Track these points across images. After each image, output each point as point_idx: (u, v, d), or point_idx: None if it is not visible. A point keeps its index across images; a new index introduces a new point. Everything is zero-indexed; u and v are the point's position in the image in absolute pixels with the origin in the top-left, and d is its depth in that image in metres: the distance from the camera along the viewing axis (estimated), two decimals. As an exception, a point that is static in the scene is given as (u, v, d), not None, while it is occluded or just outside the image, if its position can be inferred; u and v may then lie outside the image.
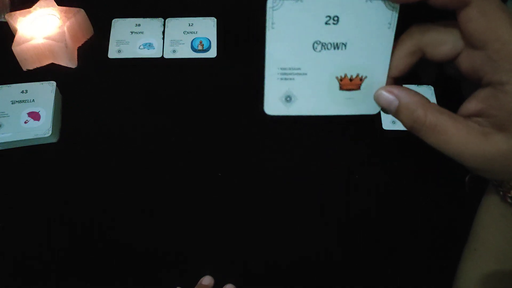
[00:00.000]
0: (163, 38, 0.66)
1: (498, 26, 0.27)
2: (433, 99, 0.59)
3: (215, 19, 0.68)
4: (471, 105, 0.30)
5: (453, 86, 0.31)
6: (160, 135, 0.59)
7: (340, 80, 0.32)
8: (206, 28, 0.67)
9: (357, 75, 0.31)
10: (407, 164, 0.58)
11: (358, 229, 0.53)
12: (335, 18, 0.30)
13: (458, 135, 0.28)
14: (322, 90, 0.32)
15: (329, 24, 0.30)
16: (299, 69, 0.31)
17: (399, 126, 0.59)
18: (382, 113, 0.58)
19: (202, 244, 0.52)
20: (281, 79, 0.31)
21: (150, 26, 0.67)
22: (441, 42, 0.30)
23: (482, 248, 0.39)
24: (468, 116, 0.30)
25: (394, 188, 0.56)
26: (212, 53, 0.65)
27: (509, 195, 0.35)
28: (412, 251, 0.52)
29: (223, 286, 0.49)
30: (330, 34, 0.30)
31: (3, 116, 0.57)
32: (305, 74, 0.31)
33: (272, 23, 0.30)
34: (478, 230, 0.39)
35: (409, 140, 0.58)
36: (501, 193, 0.35)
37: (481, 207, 0.40)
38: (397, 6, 0.29)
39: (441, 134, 0.29)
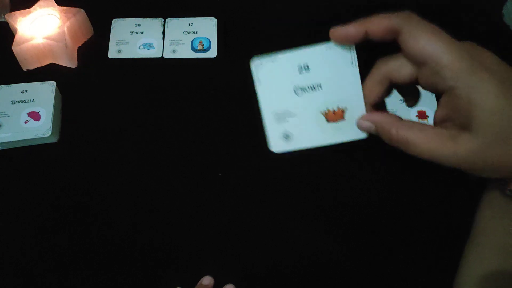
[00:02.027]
0: (163, 38, 0.66)
1: (429, 43, 0.31)
2: (433, 103, 0.59)
3: (215, 19, 0.68)
4: (439, 112, 0.34)
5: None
6: (160, 135, 0.59)
7: (325, 114, 0.37)
8: (206, 28, 0.67)
9: (338, 108, 0.37)
10: (407, 164, 0.58)
11: (359, 229, 0.53)
12: (306, 67, 0.36)
13: (429, 143, 0.32)
14: (312, 126, 0.37)
15: (302, 72, 0.36)
16: (289, 112, 0.37)
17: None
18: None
19: (202, 244, 0.52)
20: (277, 121, 0.37)
21: (150, 26, 0.67)
22: (400, 68, 0.34)
23: (483, 242, 0.39)
24: (441, 122, 0.34)
25: (394, 188, 0.56)
26: (212, 53, 0.65)
27: (509, 188, 0.36)
28: (413, 249, 0.52)
29: (223, 286, 0.49)
30: (306, 80, 0.36)
31: (3, 116, 0.57)
32: (295, 115, 0.37)
33: (259, 79, 0.37)
34: (479, 224, 0.40)
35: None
36: (501, 186, 0.36)
37: (483, 201, 0.40)
38: (353, 46, 0.35)
39: (416, 146, 0.32)
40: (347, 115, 0.37)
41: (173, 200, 0.55)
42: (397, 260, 0.51)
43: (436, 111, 0.34)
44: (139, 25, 0.67)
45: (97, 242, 0.52)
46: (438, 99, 0.37)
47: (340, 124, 0.37)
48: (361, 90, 0.36)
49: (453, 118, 0.32)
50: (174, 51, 0.65)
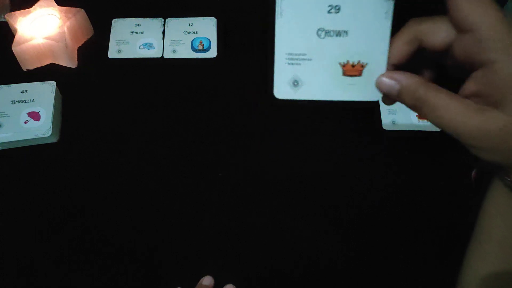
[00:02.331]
0: (163, 38, 0.66)
1: (483, 9, 0.29)
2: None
3: (215, 19, 0.68)
4: (468, 87, 0.32)
5: (452, 85, 0.32)
6: (160, 135, 0.59)
7: (343, 66, 0.34)
8: (206, 28, 0.67)
9: (359, 62, 0.33)
10: (407, 164, 0.58)
11: (359, 229, 0.53)
12: (337, 7, 0.32)
13: (456, 112, 0.30)
14: (326, 76, 0.34)
15: (331, 12, 0.32)
16: (305, 54, 0.33)
17: (399, 127, 0.59)
18: (382, 113, 0.59)
19: (202, 244, 0.52)
20: (289, 64, 0.34)
21: (150, 26, 0.67)
22: (435, 31, 0.32)
23: (487, 241, 0.38)
24: (468, 97, 0.31)
25: (394, 188, 0.56)
26: (212, 53, 0.65)
27: (510, 179, 0.35)
28: (414, 248, 0.52)
29: (223, 286, 0.49)
30: (333, 22, 0.33)
31: (3, 116, 0.57)
32: (311, 59, 0.34)
33: (281, 11, 0.33)
34: (483, 222, 0.39)
35: (409, 140, 0.58)
36: (508, 180, 0.35)
37: (486, 199, 0.40)
38: None
39: (441, 111, 0.30)
40: (365, 71, 0.34)
41: (173, 200, 0.55)
42: (398, 260, 0.51)
43: (464, 85, 0.32)
44: (139, 25, 0.67)
45: (97, 242, 0.52)
46: (464, 73, 0.34)
47: (355, 80, 0.34)
48: (387, 47, 0.33)
49: (484, 94, 0.30)
50: (174, 51, 0.65)
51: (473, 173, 0.44)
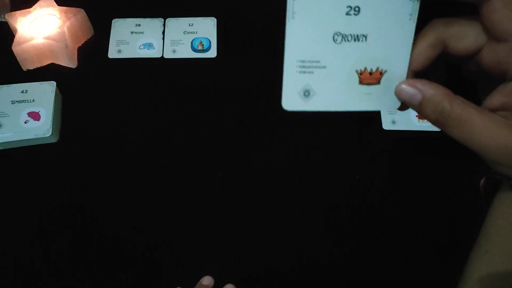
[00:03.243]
0: (163, 38, 0.66)
1: None
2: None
3: (215, 19, 0.68)
4: (495, 99, 0.29)
5: (462, 88, 0.31)
6: (160, 135, 0.59)
7: (360, 73, 0.31)
8: (206, 28, 0.67)
9: (377, 69, 0.31)
10: (407, 164, 0.58)
11: (359, 229, 0.53)
12: (356, 9, 0.29)
13: (484, 128, 0.28)
14: (341, 84, 0.31)
15: (350, 14, 0.29)
16: (318, 61, 0.30)
17: (399, 127, 0.59)
18: (382, 113, 0.59)
19: (202, 244, 0.52)
20: (300, 72, 0.30)
21: (150, 26, 0.67)
22: (464, 35, 0.29)
23: (494, 250, 0.38)
24: (492, 111, 0.29)
25: (394, 188, 0.56)
26: (212, 53, 0.65)
27: None
28: (414, 249, 0.52)
29: (223, 286, 0.49)
30: (351, 25, 0.29)
31: (3, 116, 0.57)
32: (325, 67, 0.30)
33: (293, 13, 0.29)
34: (489, 231, 0.38)
35: (409, 140, 0.58)
36: None
37: (493, 207, 0.39)
38: None
39: (467, 127, 0.28)
40: (383, 79, 0.31)
41: (173, 200, 0.55)
42: (398, 260, 0.51)
43: (490, 98, 0.29)
44: (139, 25, 0.67)
45: (97, 242, 0.52)
46: (482, 89, 0.32)
47: (372, 88, 0.31)
48: (409, 52, 0.30)
49: None
50: (174, 51, 0.65)
51: (482, 181, 0.43)
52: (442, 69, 0.33)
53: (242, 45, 0.66)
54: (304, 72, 0.30)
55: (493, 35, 0.29)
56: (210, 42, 0.66)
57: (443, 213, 0.54)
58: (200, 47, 0.65)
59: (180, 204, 0.55)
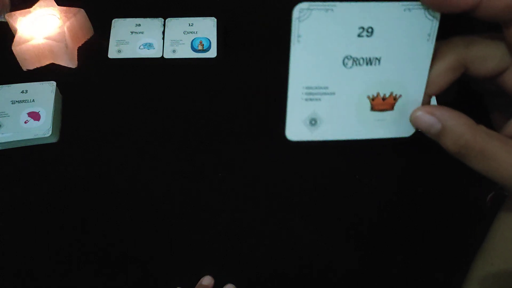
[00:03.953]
0: (163, 38, 0.66)
1: None
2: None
3: (215, 19, 0.68)
4: None
5: (470, 103, 0.30)
6: (160, 135, 0.59)
7: (372, 99, 0.28)
8: (206, 28, 0.67)
9: (391, 94, 0.28)
10: (407, 164, 0.58)
11: (359, 229, 0.53)
12: (369, 30, 0.26)
13: (510, 160, 0.25)
14: (351, 112, 0.28)
15: (362, 36, 0.26)
16: (326, 88, 0.28)
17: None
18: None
19: (202, 244, 0.52)
20: (306, 99, 0.28)
21: (150, 26, 0.67)
22: (488, 57, 0.27)
23: (500, 264, 0.37)
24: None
25: (394, 189, 0.56)
26: (212, 53, 0.65)
27: None
28: (414, 249, 0.52)
29: (223, 286, 0.49)
30: (363, 48, 0.27)
31: (3, 116, 0.57)
32: (333, 93, 0.28)
33: (298, 36, 0.26)
34: (496, 244, 0.38)
35: (409, 140, 0.58)
36: None
37: (500, 220, 0.38)
38: (438, 15, 0.26)
39: (491, 160, 0.25)
40: (398, 104, 0.28)
41: (173, 200, 0.55)
42: (398, 261, 0.51)
43: (510, 124, 0.27)
44: (139, 25, 0.67)
45: (97, 242, 0.52)
46: (491, 106, 0.30)
47: (385, 114, 0.28)
48: (426, 75, 0.27)
49: None
50: (174, 51, 0.65)
51: (489, 196, 0.42)
52: (454, 87, 0.30)
53: (242, 45, 0.66)
54: (311, 99, 0.28)
55: None
56: (210, 42, 0.66)
57: (443, 213, 0.54)
58: (200, 47, 0.65)
59: (180, 204, 0.55)
